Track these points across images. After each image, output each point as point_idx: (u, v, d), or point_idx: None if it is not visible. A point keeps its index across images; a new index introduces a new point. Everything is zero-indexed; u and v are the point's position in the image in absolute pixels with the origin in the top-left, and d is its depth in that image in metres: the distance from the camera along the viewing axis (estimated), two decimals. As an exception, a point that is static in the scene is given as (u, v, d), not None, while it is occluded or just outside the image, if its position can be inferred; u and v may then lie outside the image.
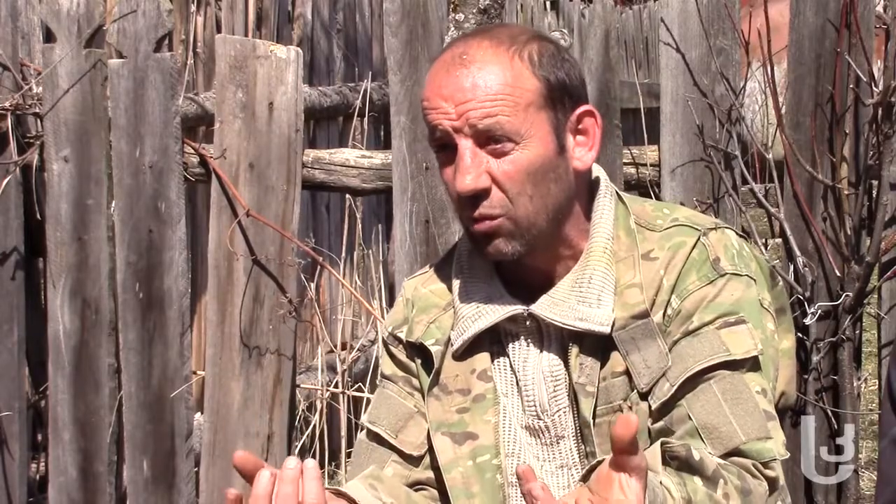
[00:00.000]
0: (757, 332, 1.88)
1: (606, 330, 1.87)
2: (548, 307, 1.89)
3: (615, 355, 1.88)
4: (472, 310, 1.93)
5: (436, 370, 1.95)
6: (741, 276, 1.90)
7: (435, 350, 1.95)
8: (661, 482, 1.68)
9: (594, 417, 1.88)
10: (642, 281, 1.88)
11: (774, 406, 1.96)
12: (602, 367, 1.89)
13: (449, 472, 1.93)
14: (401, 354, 2.02)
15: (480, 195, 1.84)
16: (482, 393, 1.94)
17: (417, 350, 1.99)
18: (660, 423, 1.86)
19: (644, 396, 1.87)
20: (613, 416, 1.87)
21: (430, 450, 1.96)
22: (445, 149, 1.87)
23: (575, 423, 1.91)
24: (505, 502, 1.92)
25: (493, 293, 1.94)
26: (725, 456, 1.82)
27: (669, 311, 1.87)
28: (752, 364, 1.86)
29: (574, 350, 1.89)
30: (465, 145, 1.83)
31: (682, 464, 1.76)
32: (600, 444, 1.88)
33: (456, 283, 1.97)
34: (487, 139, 1.83)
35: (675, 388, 1.84)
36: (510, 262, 1.91)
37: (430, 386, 1.95)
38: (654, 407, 1.86)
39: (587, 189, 1.95)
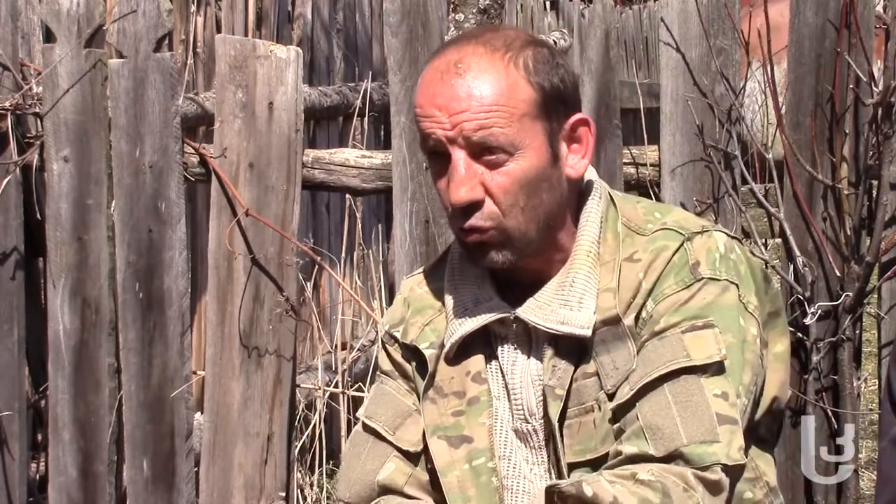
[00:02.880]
0: (726, 336, 1.85)
1: (587, 333, 1.86)
2: (532, 310, 1.89)
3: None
4: (460, 312, 1.93)
5: (430, 373, 1.95)
6: (719, 280, 1.88)
7: (429, 354, 1.95)
8: None
9: (563, 419, 1.88)
10: (618, 285, 1.88)
11: (767, 410, 1.95)
12: (576, 369, 1.88)
13: (445, 476, 1.92)
14: (396, 354, 2.02)
15: (473, 206, 1.84)
16: (476, 395, 1.93)
17: (412, 352, 1.99)
18: (616, 425, 1.86)
19: (611, 398, 1.86)
20: (585, 416, 1.87)
21: (425, 450, 1.96)
22: (438, 156, 1.86)
23: (546, 425, 1.90)
24: None
25: (483, 296, 1.93)
26: (667, 458, 1.80)
27: (644, 315, 1.87)
28: (716, 369, 1.84)
29: (549, 352, 1.89)
30: (459, 156, 1.83)
31: (575, 502, 1.76)
32: (570, 445, 1.88)
33: (448, 286, 1.97)
34: (482, 150, 1.82)
35: (634, 392, 1.84)
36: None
37: (425, 389, 1.95)
38: (612, 408, 1.85)
39: (578, 193, 1.94)
